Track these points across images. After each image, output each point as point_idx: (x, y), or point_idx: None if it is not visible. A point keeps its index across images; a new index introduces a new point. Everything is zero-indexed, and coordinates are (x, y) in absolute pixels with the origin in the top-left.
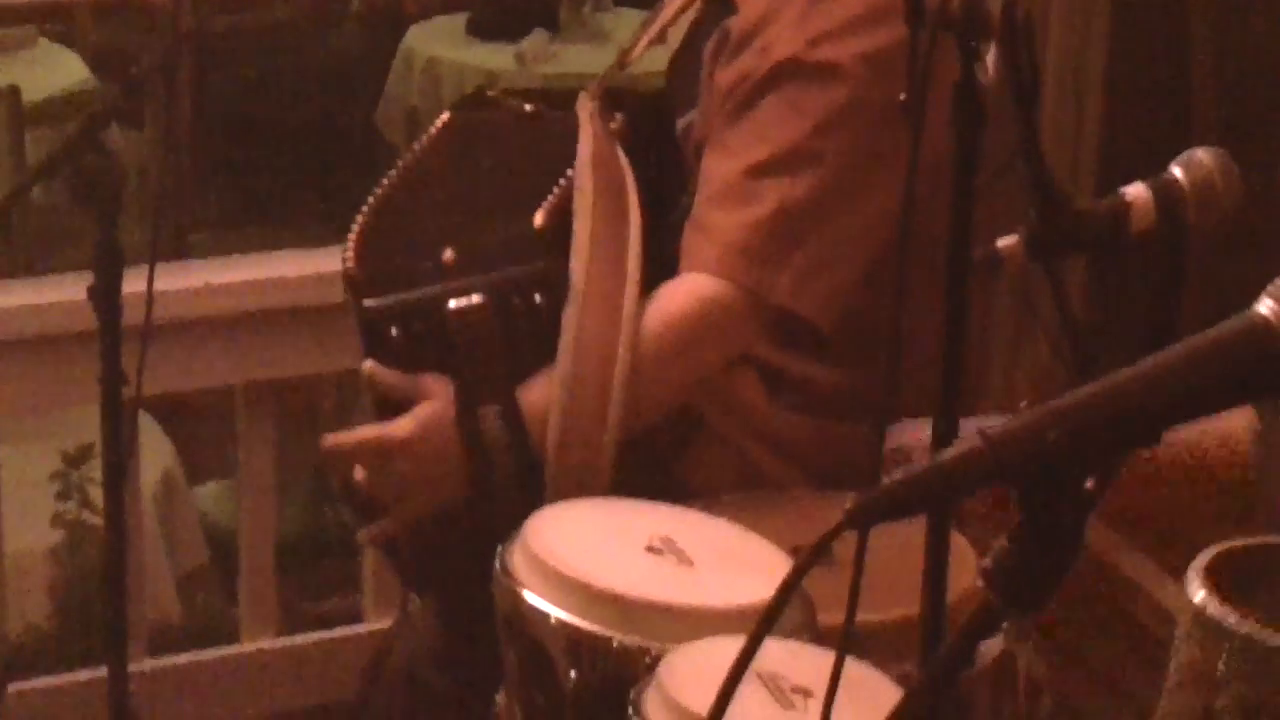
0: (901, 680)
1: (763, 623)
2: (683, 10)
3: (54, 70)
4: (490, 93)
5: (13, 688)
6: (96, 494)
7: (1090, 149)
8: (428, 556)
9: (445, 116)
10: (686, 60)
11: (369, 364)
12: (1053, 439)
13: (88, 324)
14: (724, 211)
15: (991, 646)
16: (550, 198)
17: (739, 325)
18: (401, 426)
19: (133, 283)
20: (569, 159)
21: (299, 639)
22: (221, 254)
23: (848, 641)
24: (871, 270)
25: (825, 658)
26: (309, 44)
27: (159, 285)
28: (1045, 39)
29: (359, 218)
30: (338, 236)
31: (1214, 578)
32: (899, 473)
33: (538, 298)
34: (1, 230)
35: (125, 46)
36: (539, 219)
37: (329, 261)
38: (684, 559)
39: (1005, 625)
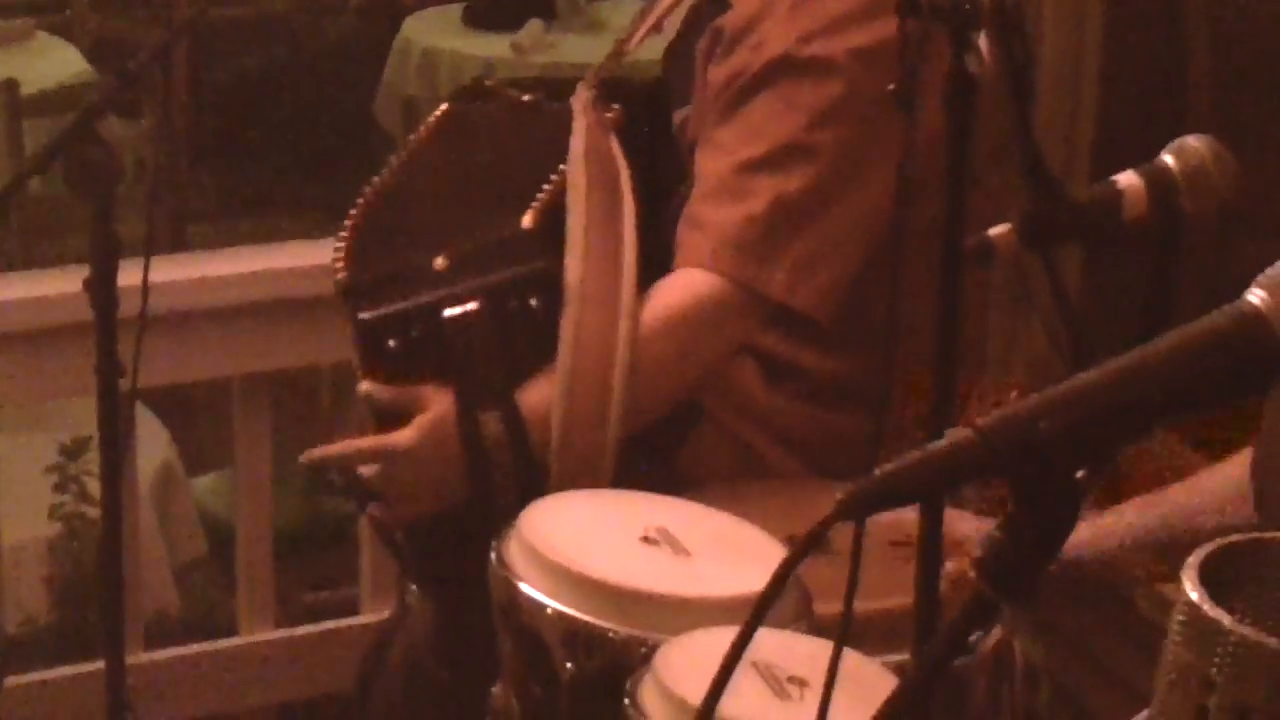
0: (896, 670)
1: (756, 612)
2: (679, 0)
3: (52, 62)
4: (488, 83)
5: (10, 680)
6: (94, 486)
7: (1085, 138)
8: (427, 555)
9: (442, 108)
10: (683, 50)
11: (365, 385)
12: (1044, 429)
13: (84, 315)
14: (718, 207)
15: (989, 634)
16: (540, 196)
17: (736, 321)
18: (403, 436)
19: (129, 274)
20: (564, 152)
21: (296, 630)
22: (219, 245)
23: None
24: (868, 262)
25: (821, 648)
26: (306, 34)
27: (155, 277)
28: (1040, 28)
29: (347, 222)
30: (335, 227)
31: (1208, 575)
32: (891, 463)
33: (533, 300)
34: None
35: (124, 38)
36: (528, 220)
37: (326, 253)
38: (680, 549)
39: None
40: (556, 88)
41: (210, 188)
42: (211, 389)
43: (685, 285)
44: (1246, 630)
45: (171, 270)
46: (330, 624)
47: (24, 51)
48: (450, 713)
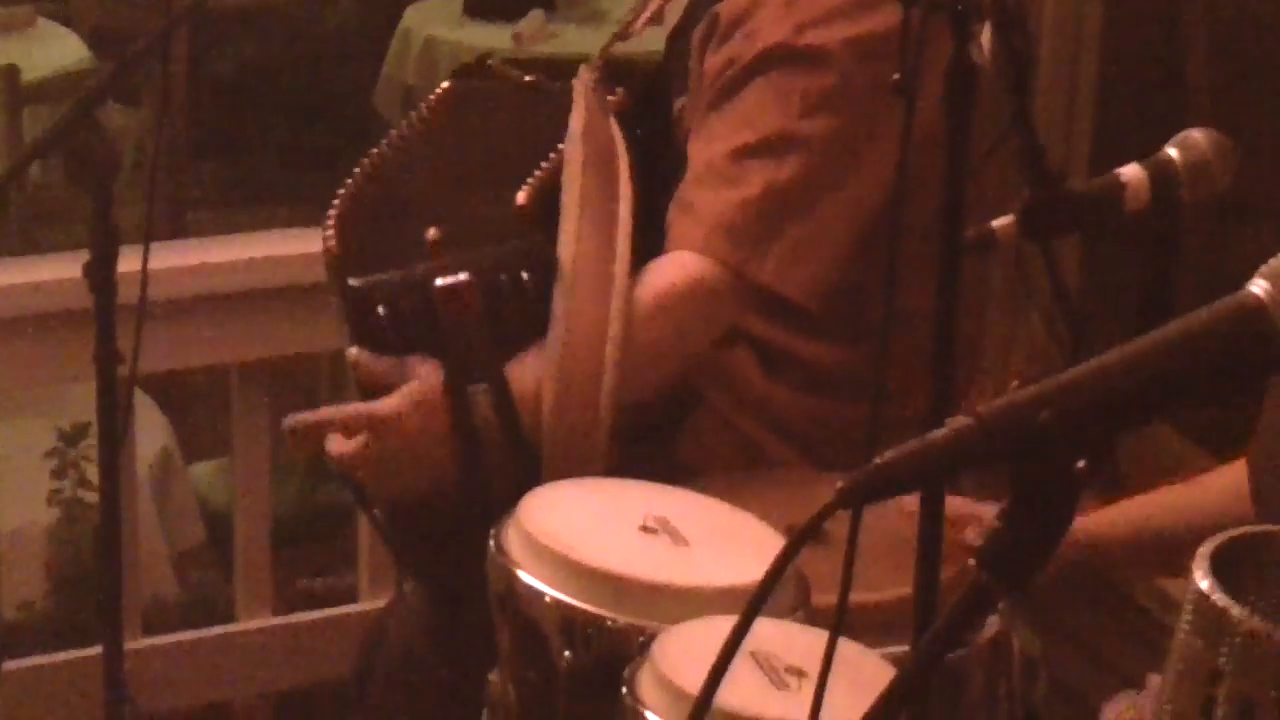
0: (894, 660)
1: (754, 602)
2: None
3: (53, 50)
4: (491, 62)
5: (8, 665)
6: (92, 472)
7: (1084, 131)
8: (416, 540)
9: (444, 85)
10: (684, 39)
11: (354, 350)
12: (1044, 419)
13: (83, 302)
14: (711, 192)
15: (987, 626)
16: (536, 175)
17: (725, 304)
18: (389, 404)
19: (128, 261)
20: (564, 133)
21: (294, 618)
22: (218, 233)
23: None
24: (860, 250)
25: (819, 638)
26: (306, 24)
27: (154, 264)
28: (1040, 20)
29: (341, 193)
30: None
31: (1219, 566)
32: (891, 451)
33: (525, 275)
34: None
35: (124, 26)
36: (521, 198)
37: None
38: (678, 538)
39: (1001, 605)
40: (559, 70)
41: (209, 177)
42: (210, 377)
43: (677, 268)
44: (1256, 622)
45: (170, 257)
46: (328, 611)
47: (25, 38)
48: (447, 701)
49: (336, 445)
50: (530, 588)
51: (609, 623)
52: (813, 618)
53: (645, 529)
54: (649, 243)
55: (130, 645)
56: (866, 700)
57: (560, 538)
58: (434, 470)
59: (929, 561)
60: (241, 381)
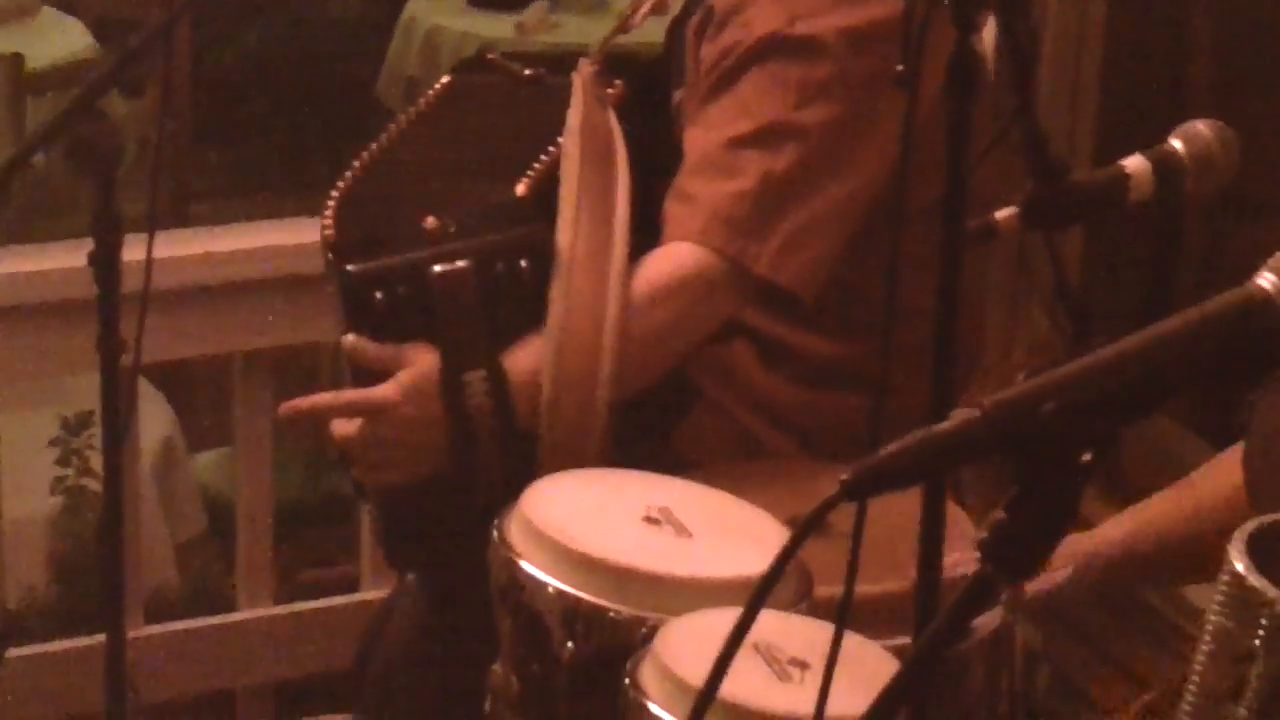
0: (897, 652)
1: (758, 594)
2: None
3: (57, 38)
4: (491, 56)
5: (11, 654)
6: (96, 460)
7: (1087, 120)
8: (411, 533)
9: (445, 79)
10: (684, 30)
11: (350, 337)
12: (1048, 410)
13: (87, 291)
14: (707, 182)
15: (989, 619)
16: (535, 167)
17: (723, 295)
18: (385, 390)
19: (132, 250)
20: (562, 126)
21: (296, 607)
22: (221, 223)
23: (845, 614)
24: (856, 242)
25: (822, 630)
26: (310, 13)
27: (158, 252)
28: (1044, 9)
29: (341, 182)
30: None
31: (1256, 548)
32: (895, 443)
33: (523, 263)
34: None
35: (128, 15)
36: (521, 189)
37: None
38: (681, 530)
39: (1004, 598)
40: (559, 63)
41: (212, 166)
42: (213, 366)
43: (673, 258)
44: None
45: (174, 246)
46: (330, 601)
47: (29, 27)
48: (449, 692)
49: (340, 426)
50: (533, 578)
51: (611, 614)
52: (816, 610)
53: (648, 520)
54: (646, 234)
55: (132, 634)
56: (869, 692)
57: (563, 528)
58: (429, 457)
59: (931, 554)
60: (244, 371)
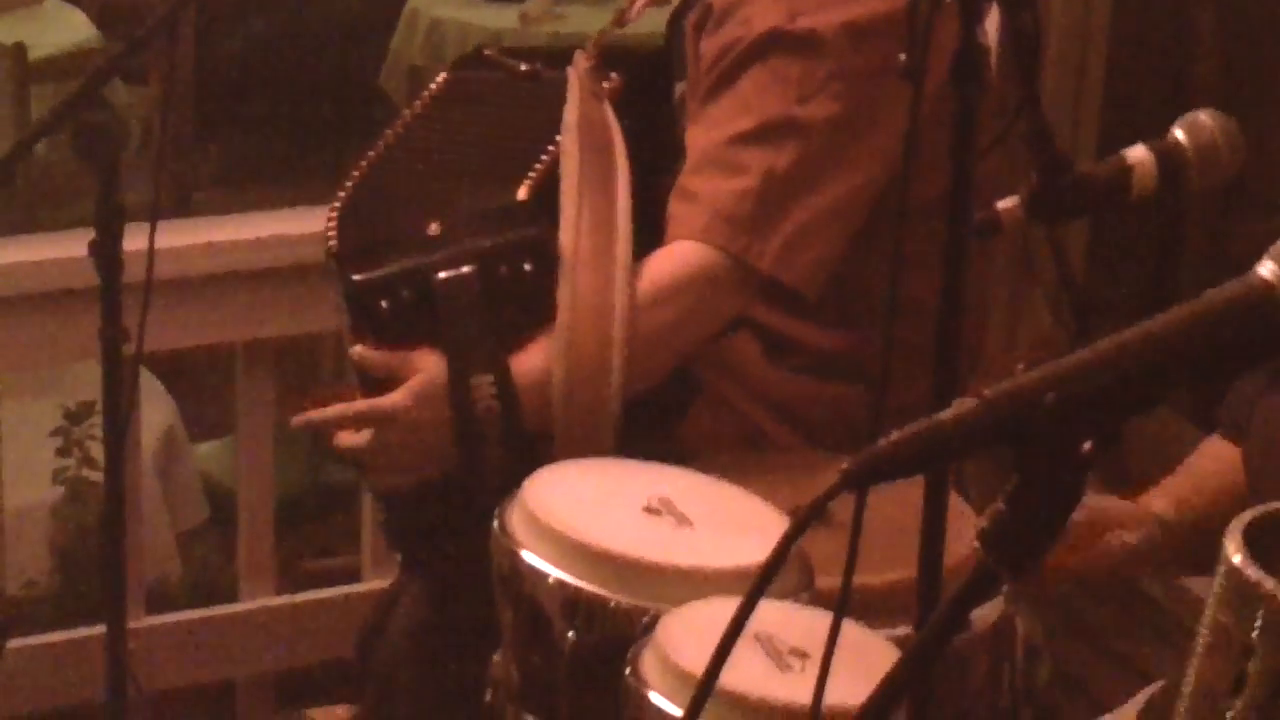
0: (898, 643)
1: (759, 583)
2: None
3: (61, 27)
4: (487, 52)
5: (12, 644)
6: (97, 450)
7: (1091, 113)
8: (415, 534)
9: (441, 77)
10: (682, 23)
11: (358, 348)
12: (1051, 401)
13: (89, 280)
14: (710, 180)
15: (990, 611)
16: (535, 168)
17: (728, 293)
18: (394, 399)
19: (134, 239)
20: (560, 121)
21: (297, 597)
22: (224, 213)
23: (845, 604)
24: (859, 236)
25: (822, 620)
26: (313, 3)
27: (160, 242)
28: (1048, 3)
29: (341, 191)
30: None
31: (1253, 540)
32: (896, 433)
33: (527, 266)
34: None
35: (132, 4)
36: (522, 193)
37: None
38: (682, 520)
39: (1005, 589)
40: (556, 57)
41: (215, 156)
42: (214, 356)
43: (679, 257)
44: None
45: (176, 235)
46: (331, 591)
47: (33, 16)
48: (450, 682)
49: (345, 438)
50: (533, 568)
51: (612, 604)
52: (817, 600)
53: (649, 510)
54: (649, 233)
55: (133, 624)
56: (870, 683)
57: (564, 518)
58: (439, 463)
59: (933, 544)
60: (246, 361)
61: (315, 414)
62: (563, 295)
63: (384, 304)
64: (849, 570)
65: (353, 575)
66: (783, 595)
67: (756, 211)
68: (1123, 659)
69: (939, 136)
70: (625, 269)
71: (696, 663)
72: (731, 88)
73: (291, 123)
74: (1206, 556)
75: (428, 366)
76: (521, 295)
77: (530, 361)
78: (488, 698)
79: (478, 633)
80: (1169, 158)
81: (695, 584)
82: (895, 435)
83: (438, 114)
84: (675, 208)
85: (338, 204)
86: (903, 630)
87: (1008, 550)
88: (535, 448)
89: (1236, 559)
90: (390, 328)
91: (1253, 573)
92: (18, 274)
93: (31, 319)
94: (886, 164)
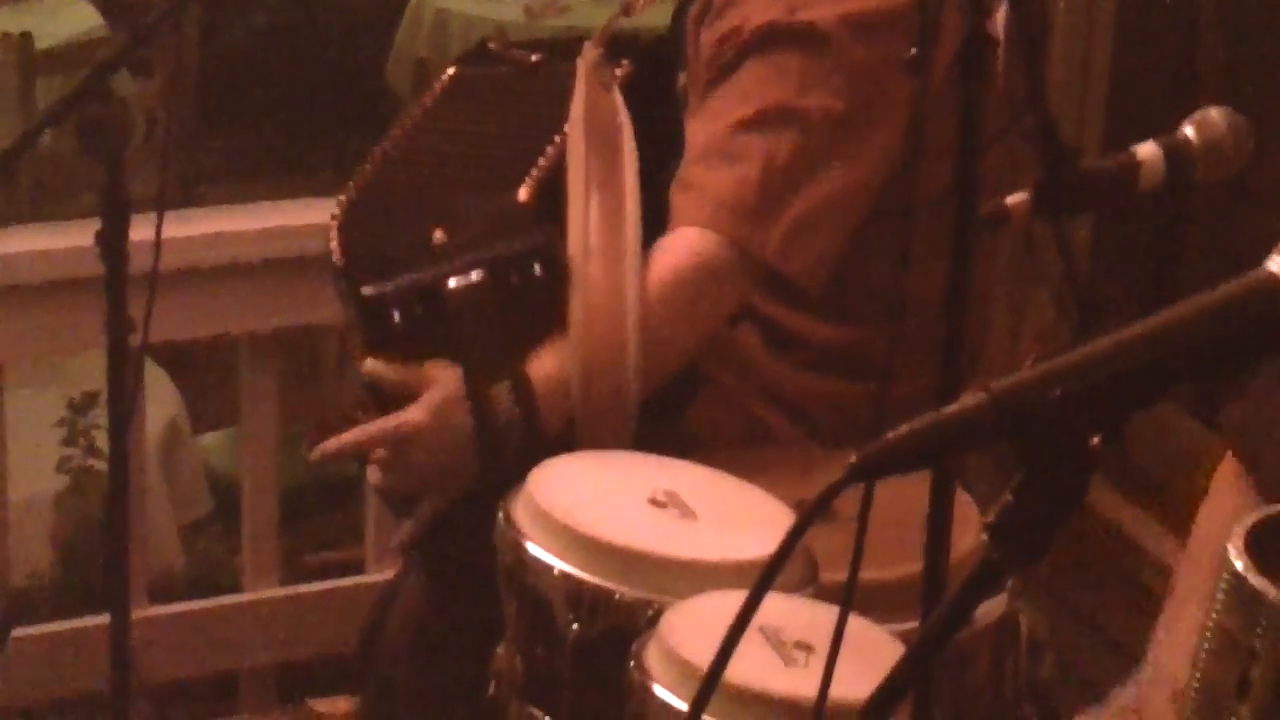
0: (903, 637)
1: (764, 577)
2: None
3: (66, 17)
4: (492, 45)
5: (16, 633)
6: (102, 440)
7: (1096, 107)
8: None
9: (448, 74)
10: (685, 15)
11: (370, 363)
12: (1057, 396)
13: (95, 270)
14: (711, 169)
15: (994, 606)
16: (537, 168)
17: (733, 278)
18: (413, 415)
19: (140, 229)
20: (566, 113)
21: (300, 589)
22: (229, 204)
23: (850, 598)
24: (860, 229)
25: (828, 614)
26: None
27: (165, 233)
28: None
29: (342, 199)
30: (345, 189)
31: (1255, 545)
32: (904, 426)
33: (537, 269)
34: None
35: None
36: (523, 194)
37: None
38: (687, 512)
39: (1009, 584)
40: (563, 48)
41: (220, 148)
42: (218, 347)
43: (684, 244)
44: None
45: (181, 226)
46: (334, 583)
47: (38, 6)
48: (454, 673)
49: (373, 477)
50: (538, 560)
51: (617, 596)
52: (822, 594)
53: (654, 502)
54: (651, 225)
55: (137, 614)
56: (875, 676)
57: (569, 510)
58: (458, 474)
59: (939, 538)
60: (250, 352)
61: (332, 444)
62: (575, 294)
63: (396, 317)
64: (855, 564)
65: (356, 567)
66: (788, 589)
67: (758, 201)
68: (1128, 653)
69: (942, 130)
70: (635, 256)
71: (701, 656)
72: (732, 79)
73: (296, 115)
74: None
75: (442, 379)
76: (533, 299)
77: (544, 366)
78: (491, 690)
79: (480, 625)
80: (1177, 154)
81: (700, 577)
82: (903, 429)
83: (439, 114)
84: (677, 198)
85: (338, 214)
86: (908, 625)
87: (1015, 544)
88: (555, 450)
89: (1238, 565)
90: (403, 340)
91: (1255, 581)
92: (23, 264)
93: (37, 309)
94: (887, 159)
